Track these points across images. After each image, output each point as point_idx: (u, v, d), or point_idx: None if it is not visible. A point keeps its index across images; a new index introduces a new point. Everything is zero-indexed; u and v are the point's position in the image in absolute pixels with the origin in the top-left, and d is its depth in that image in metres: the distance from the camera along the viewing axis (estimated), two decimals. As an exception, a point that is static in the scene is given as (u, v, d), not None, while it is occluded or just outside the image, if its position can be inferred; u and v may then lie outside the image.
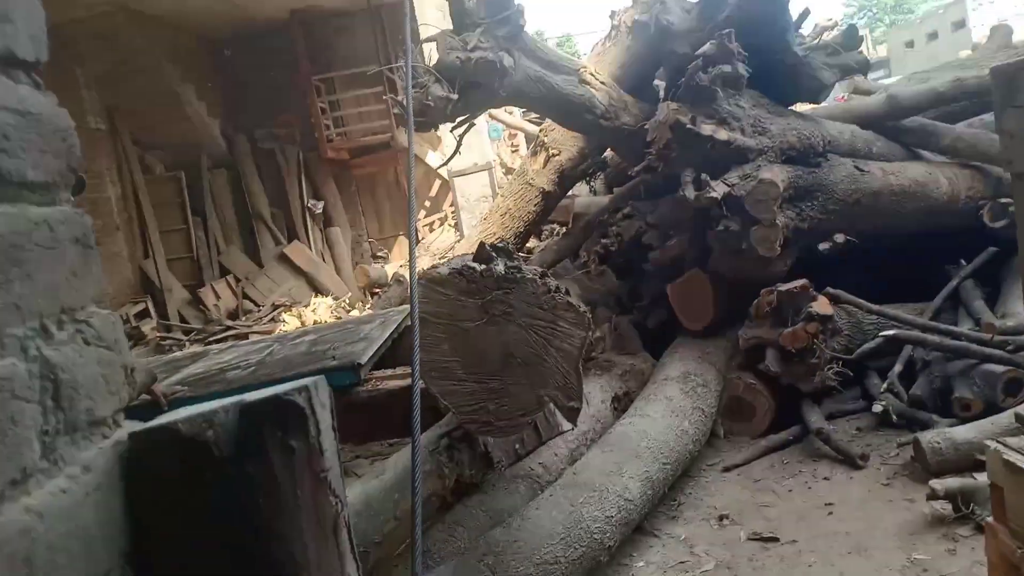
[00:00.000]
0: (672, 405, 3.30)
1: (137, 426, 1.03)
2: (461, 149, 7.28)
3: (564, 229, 6.13)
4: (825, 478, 3.10)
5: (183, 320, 11.46)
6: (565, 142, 5.03)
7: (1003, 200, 4.09)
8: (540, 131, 5.36)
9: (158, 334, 10.54)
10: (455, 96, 3.71)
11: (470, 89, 3.80)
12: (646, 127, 4.13)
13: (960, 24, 25.94)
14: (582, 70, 4.35)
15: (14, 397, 0.83)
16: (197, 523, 0.99)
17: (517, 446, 2.24)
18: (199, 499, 0.98)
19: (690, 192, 3.83)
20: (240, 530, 0.98)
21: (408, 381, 3.89)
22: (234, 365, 4.22)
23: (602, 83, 4.40)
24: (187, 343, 10.00)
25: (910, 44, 29.41)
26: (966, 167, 4.46)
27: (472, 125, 4.39)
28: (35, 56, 0.96)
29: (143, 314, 11.13)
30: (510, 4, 3.92)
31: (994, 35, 5.75)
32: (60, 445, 0.90)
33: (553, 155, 5.05)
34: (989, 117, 4.76)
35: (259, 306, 11.97)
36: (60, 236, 0.96)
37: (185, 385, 4.03)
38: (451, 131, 4.50)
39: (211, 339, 9.81)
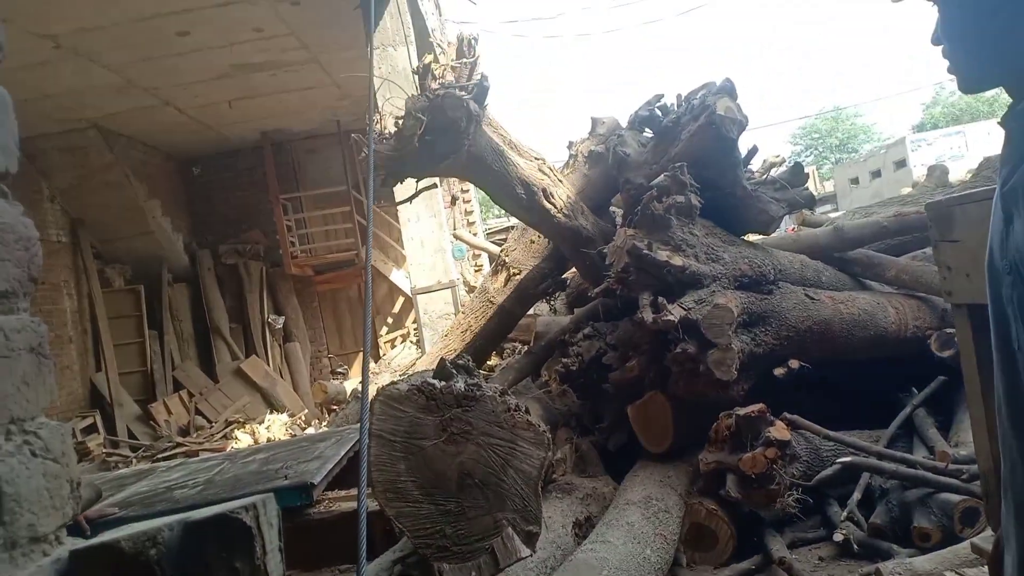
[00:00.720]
0: (634, 531, 3.23)
1: (79, 543, 0.98)
2: (425, 267, 7.39)
3: (525, 348, 6.15)
4: (789, 609, 3.03)
5: (132, 436, 11.09)
6: (526, 261, 5.15)
7: (949, 330, 4.23)
8: (501, 251, 5.49)
9: (105, 450, 10.15)
10: (413, 139, 3.79)
11: (435, 135, 3.86)
12: (604, 250, 4.25)
13: (901, 163, 27.54)
14: (541, 161, 4.46)
15: None
16: None
17: (474, 573, 2.16)
18: None
19: (648, 315, 3.91)
20: None
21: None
22: (181, 483, 4.06)
23: (560, 180, 4.52)
24: (134, 460, 9.63)
25: (855, 180, 31.06)
26: (912, 297, 4.63)
27: (434, 186, 4.45)
28: (4, 167, 0.98)
29: (90, 429, 10.75)
30: (475, 75, 4.07)
31: (931, 174, 6.14)
32: None
33: (514, 274, 5.15)
34: (931, 251, 5.00)
35: (212, 422, 11.64)
36: (15, 344, 0.95)
37: (130, 504, 3.86)
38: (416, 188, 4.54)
39: (160, 456, 9.46)
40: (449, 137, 3.90)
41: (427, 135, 3.81)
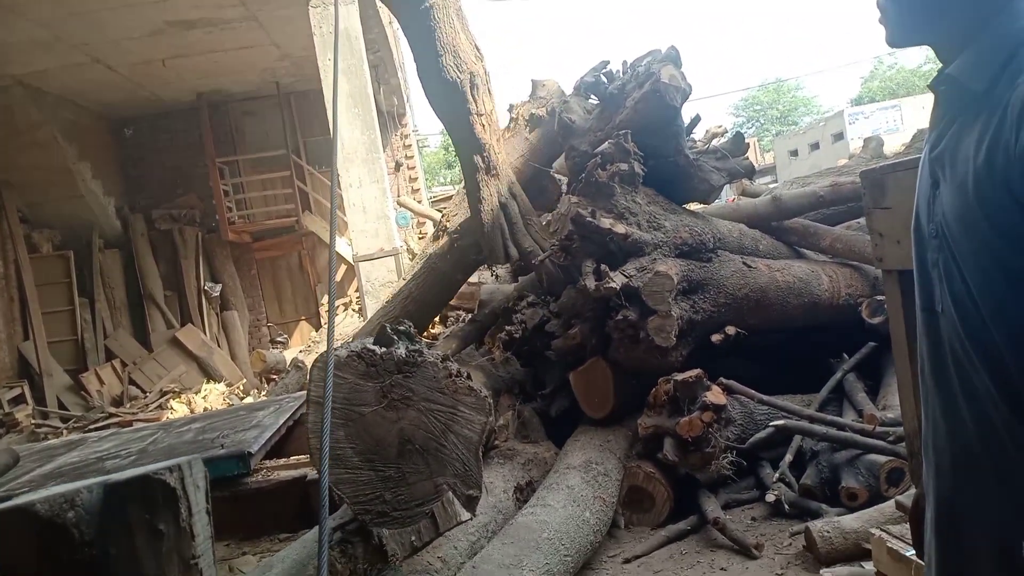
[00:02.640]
0: (574, 494, 3.28)
1: None
2: (368, 233, 7.25)
3: (469, 316, 6.14)
4: (722, 568, 3.12)
5: (62, 407, 10.75)
6: (469, 227, 5.10)
7: (879, 297, 4.36)
8: (443, 216, 5.43)
9: (33, 421, 9.82)
10: None
11: None
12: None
13: (839, 136, 28.16)
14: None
15: None
16: None
17: (414, 538, 2.16)
18: None
19: (591, 282, 3.93)
20: None
21: (301, 472, 3.74)
22: (113, 454, 3.96)
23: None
24: (65, 431, 9.33)
25: (794, 152, 31.67)
26: (845, 266, 4.76)
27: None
28: None
29: (18, 399, 10.38)
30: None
31: (867, 146, 6.28)
32: None
33: (456, 240, 5.11)
34: (865, 221, 5.13)
35: (146, 392, 11.36)
36: None
37: (60, 475, 3.75)
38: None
39: (91, 427, 9.20)
40: None
41: None
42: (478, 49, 4.36)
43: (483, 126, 4.30)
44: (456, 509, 2.18)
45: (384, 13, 10.45)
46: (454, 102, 4.25)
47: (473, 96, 4.23)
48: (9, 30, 9.24)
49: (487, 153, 4.34)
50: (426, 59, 4.23)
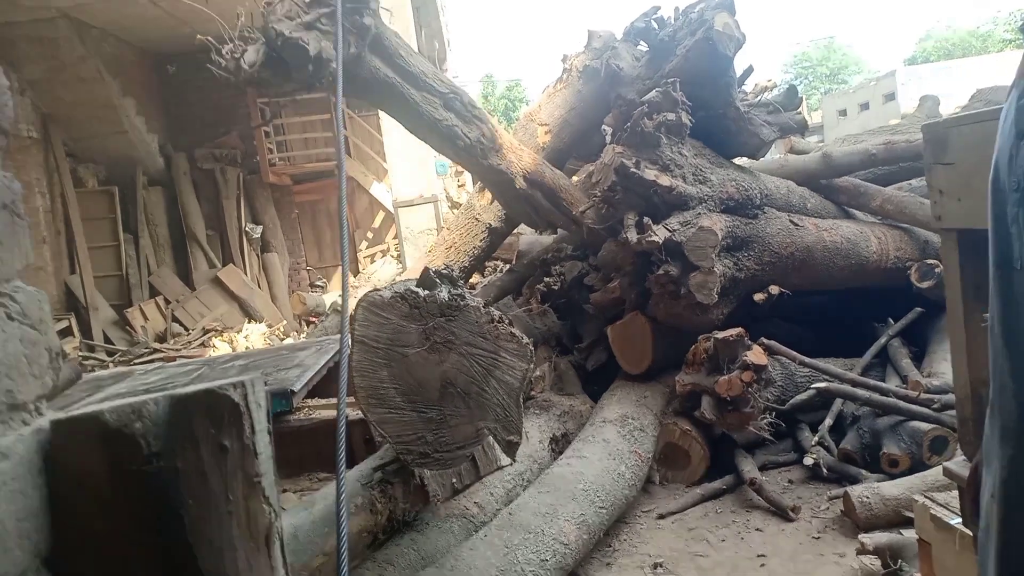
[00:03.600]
0: (609, 448, 3.28)
1: (60, 415, 0.95)
2: (407, 180, 7.20)
3: (508, 266, 6.13)
4: (758, 529, 3.12)
5: (108, 341, 11.03)
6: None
7: (930, 261, 4.26)
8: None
9: (80, 354, 10.10)
10: (252, 67, 3.44)
11: (285, 65, 3.47)
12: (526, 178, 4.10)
13: (890, 96, 27.28)
14: (452, 96, 3.96)
15: None
16: (120, 522, 0.91)
17: (454, 480, 2.18)
18: (124, 496, 0.91)
19: (632, 235, 3.88)
20: (167, 533, 0.91)
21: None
22: (159, 386, 4.05)
23: (475, 116, 4.05)
24: (111, 364, 9.60)
25: (843, 112, 30.78)
26: (895, 228, 4.64)
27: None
28: None
29: (65, 332, 10.66)
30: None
31: (922, 104, 6.07)
32: None
33: (500, 191, 5.05)
34: (917, 182, 4.98)
35: (188, 330, 11.60)
36: None
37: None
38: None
39: (136, 361, 9.45)
40: (297, 73, 3.47)
41: (267, 72, 3.48)
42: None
43: (479, 124, 4.06)
44: (496, 454, 2.20)
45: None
46: (442, 133, 4.01)
47: (461, 110, 3.99)
48: (56, -37, 9.25)
49: (490, 151, 4.09)
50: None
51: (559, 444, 3.54)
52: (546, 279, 5.03)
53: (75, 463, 0.92)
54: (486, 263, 6.68)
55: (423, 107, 3.86)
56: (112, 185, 12.37)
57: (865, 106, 29.16)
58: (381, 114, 8.61)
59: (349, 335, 2.15)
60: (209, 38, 3.63)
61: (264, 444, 0.98)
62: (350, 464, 3.26)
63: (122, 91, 12.19)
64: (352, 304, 2.25)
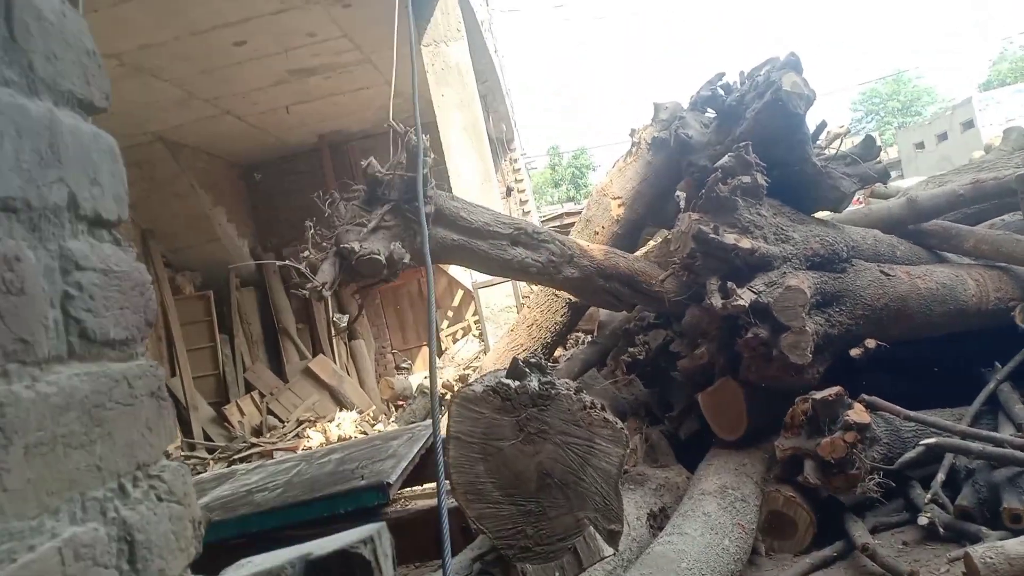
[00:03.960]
0: (711, 521, 3.19)
1: None
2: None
3: (590, 338, 6.12)
4: (876, 597, 2.96)
5: (207, 438, 11.44)
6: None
7: (1034, 301, 4.06)
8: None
9: (182, 453, 10.49)
10: (330, 286, 3.59)
11: (361, 274, 3.66)
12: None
13: (969, 124, 26.47)
14: (517, 232, 4.08)
15: (95, 564, 0.81)
16: None
17: (557, 573, 2.17)
18: None
19: (717, 300, 3.84)
20: None
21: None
22: (261, 487, 4.17)
23: (541, 241, 4.15)
24: (211, 462, 9.93)
25: (920, 145, 29.97)
26: (992, 268, 4.45)
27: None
28: (117, 215, 1.00)
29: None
30: (425, 186, 3.75)
31: (1008, 137, 5.85)
32: None
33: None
34: (1010, 217, 4.79)
35: (283, 422, 11.93)
36: (138, 392, 0.96)
37: (212, 508, 3.99)
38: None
39: (235, 457, 9.75)
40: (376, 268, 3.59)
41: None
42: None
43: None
44: (599, 544, 2.17)
45: (490, 42, 10.67)
46: (515, 267, 4.15)
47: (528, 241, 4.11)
48: (149, 91, 10.04)
49: (562, 265, 4.17)
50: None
51: (657, 520, 3.46)
52: (630, 349, 5.00)
53: None
54: (567, 336, 6.70)
55: (492, 252, 4.05)
56: (207, 290, 13.04)
57: (943, 136, 28.31)
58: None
59: (441, 418, 2.19)
60: (289, 260, 3.81)
61: (393, 591, 1.00)
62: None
63: (213, 201, 12.97)
64: (439, 381, 2.30)
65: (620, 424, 2.32)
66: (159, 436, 1.00)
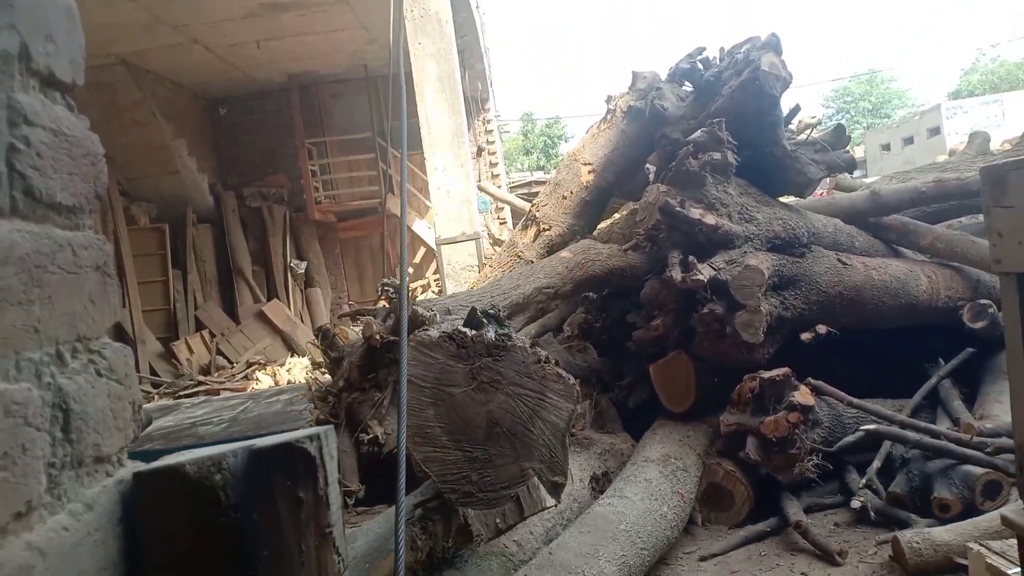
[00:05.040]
0: (651, 488, 3.25)
1: (141, 466, 0.99)
2: (451, 217, 7.29)
3: (548, 303, 6.13)
4: (803, 573, 3.04)
5: (154, 373, 11.26)
6: (556, 218, 5.09)
7: (983, 301, 4.17)
8: (532, 205, 5.42)
9: (126, 386, 10.31)
10: None
11: None
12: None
13: (935, 131, 26.96)
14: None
15: (27, 424, 0.80)
16: (196, 572, 0.94)
17: (498, 520, 2.18)
18: (201, 547, 0.93)
19: (677, 273, 3.87)
20: None
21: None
22: (206, 420, 4.13)
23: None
24: (156, 396, 9.79)
25: (886, 147, 30.45)
26: (945, 267, 4.55)
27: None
28: (72, 79, 0.96)
29: (113, 364, 10.90)
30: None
31: (972, 141, 5.96)
32: (65, 480, 0.87)
33: (544, 230, 5.10)
34: (967, 219, 4.89)
35: (233, 363, 11.79)
36: (82, 261, 0.94)
37: (153, 438, 3.93)
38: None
39: (181, 393, 9.62)
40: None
41: None
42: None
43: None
44: (541, 495, 2.19)
45: (473, -3, 10.48)
46: None
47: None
48: (114, 11, 9.66)
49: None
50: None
51: (600, 483, 3.50)
52: (587, 316, 5.02)
53: (155, 514, 0.96)
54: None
55: None
56: (163, 222, 12.75)
57: (909, 140, 28.80)
58: (425, 152, 8.76)
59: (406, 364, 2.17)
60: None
61: (335, 495, 1.00)
62: (391, 501, 3.27)
63: (175, 132, 12.62)
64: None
65: (572, 380, 2.33)
66: (102, 313, 0.98)
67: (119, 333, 11.71)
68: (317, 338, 3.26)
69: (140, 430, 1.01)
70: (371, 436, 3.20)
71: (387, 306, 3.41)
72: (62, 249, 0.91)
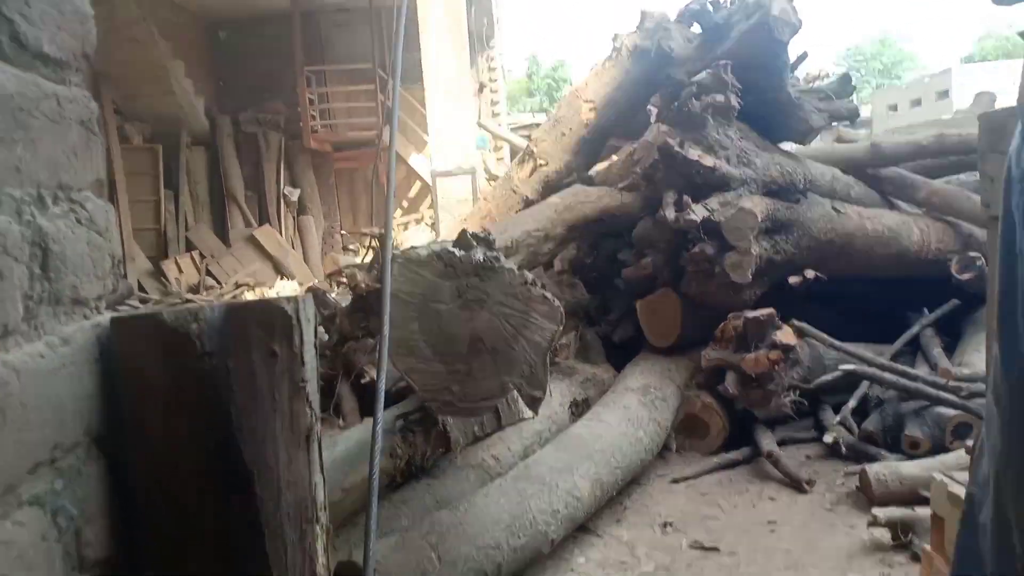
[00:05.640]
0: (629, 414, 3.32)
1: (119, 313, 1.02)
2: (447, 151, 7.21)
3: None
4: (771, 498, 3.15)
5: (142, 289, 11.25)
6: (554, 154, 5.06)
7: (972, 253, 4.20)
8: (530, 140, 5.38)
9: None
10: None
11: None
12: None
13: (944, 94, 26.61)
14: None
15: (5, 253, 0.82)
16: (171, 413, 0.98)
17: (476, 428, 2.23)
18: (175, 388, 0.97)
19: (670, 213, 3.88)
20: (214, 425, 0.98)
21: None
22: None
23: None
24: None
25: (894, 107, 30.09)
26: (939, 221, 4.58)
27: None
28: None
29: (103, 282, 10.90)
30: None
31: (978, 101, 5.93)
32: (42, 314, 0.90)
33: (540, 165, 5.07)
34: (966, 176, 4.89)
35: (221, 284, 11.82)
36: (67, 113, 0.96)
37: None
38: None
39: (170, 313, 9.65)
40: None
41: None
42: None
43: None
44: (520, 407, 2.24)
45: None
46: None
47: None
48: (115, -80, 9.39)
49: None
50: None
51: (579, 408, 3.57)
52: (579, 252, 5.04)
53: (131, 355, 0.99)
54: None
55: None
56: (157, 143, 12.60)
57: (917, 103, 28.44)
58: (424, 86, 8.65)
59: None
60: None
61: (310, 356, 1.04)
62: (370, 413, 3.33)
63: (173, 53, 12.38)
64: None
65: (557, 302, 2.36)
66: (84, 166, 1.00)
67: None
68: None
69: (118, 283, 1.04)
70: (367, 380, 3.30)
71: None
72: (47, 98, 0.92)
